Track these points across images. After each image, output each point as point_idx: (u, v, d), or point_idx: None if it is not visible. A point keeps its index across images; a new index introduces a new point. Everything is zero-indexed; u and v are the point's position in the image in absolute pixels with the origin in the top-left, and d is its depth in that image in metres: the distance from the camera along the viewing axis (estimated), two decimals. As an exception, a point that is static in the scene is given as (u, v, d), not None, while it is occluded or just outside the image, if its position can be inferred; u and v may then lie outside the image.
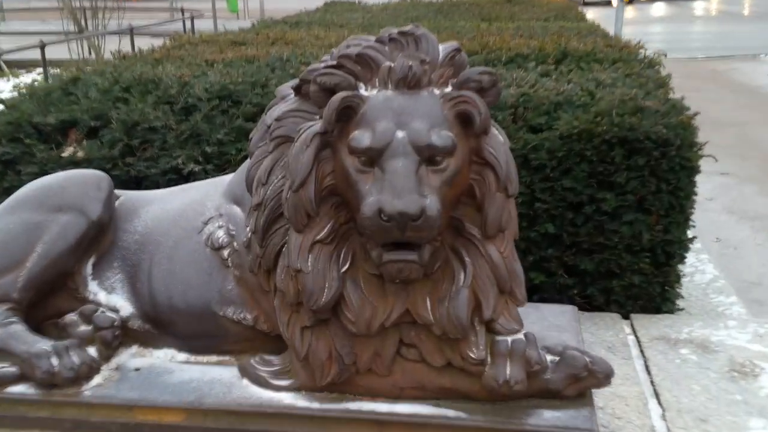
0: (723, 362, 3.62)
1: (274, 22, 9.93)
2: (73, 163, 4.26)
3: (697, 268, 5.18)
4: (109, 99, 4.57)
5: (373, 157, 2.44)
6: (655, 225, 4.03)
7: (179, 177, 4.19)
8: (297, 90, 2.75)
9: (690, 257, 4.47)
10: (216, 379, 2.94)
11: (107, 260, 3.21)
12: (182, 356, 3.11)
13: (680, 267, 4.31)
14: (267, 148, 2.77)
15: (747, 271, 5.75)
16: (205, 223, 3.10)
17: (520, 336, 2.72)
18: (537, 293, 4.11)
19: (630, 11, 31.64)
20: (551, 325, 3.32)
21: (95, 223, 3.13)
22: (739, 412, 3.23)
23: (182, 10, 20.97)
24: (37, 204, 3.13)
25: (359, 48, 2.61)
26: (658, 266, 4.13)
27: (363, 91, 2.56)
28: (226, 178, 3.25)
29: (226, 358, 3.07)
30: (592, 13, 13.57)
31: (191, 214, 3.17)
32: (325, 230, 2.61)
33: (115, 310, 3.12)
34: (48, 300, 3.14)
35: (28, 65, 14.89)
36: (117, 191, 3.36)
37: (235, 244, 2.98)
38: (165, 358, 3.11)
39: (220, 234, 3.03)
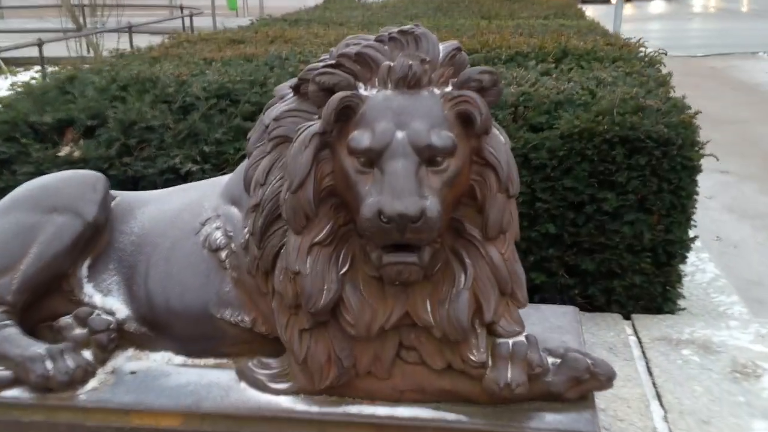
0: (725, 363, 3.60)
1: (273, 20, 9.90)
2: (70, 162, 4.22)
3: (698, 267, 5.15)
4: (106, 98, 4.53)
5: (372, 158, 2.40)
6: (656, 225, 4.01)
7: (177, 177, 4.16)
8: (296, 89, 2.72)
9: (690, 256, 4.45)
10: (213, 382, 2.90)
11: (103, 262, 3.17)
12: (179, 359, 3.07)
13: (681, 267, 4.28)
14: (265, 148, 2.74)
15: (747, 270, 5.73)
16: (203, 225, 3.06)
17: (522, 338, 2.70)
18: (538, 293, 4.09)
19: (628, 8, 31.59)
20: (552, 326, 3.30)
21: (91, 225, 3.09)
22: (742, 414, 3.20)
23: (181, 8, 20.90)
24: (32, 205, 3.09)
25: (359, 47, 2.58)
26: (660, 266, 4.10)
27: (362, 91, 2.52)
28: (224, 179, 3.22)
29: (224, 360, 3.02)
30: (591, 11, 13.54)
31: (188, 215, 3.13)
32: (324, 232, 2.57)
33: (111, 313, 3.07)
34: (43, 302, 3.09)
35: (26, 63, 14.84)
36: (113, 192, 3.32)
37: (232, 245, 2.94)
38: (162, 361, 3.06)
39: (218, 235, 2.99)
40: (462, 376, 2.68)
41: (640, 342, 3.82)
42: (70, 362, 2.86)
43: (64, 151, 4.29)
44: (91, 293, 3.12)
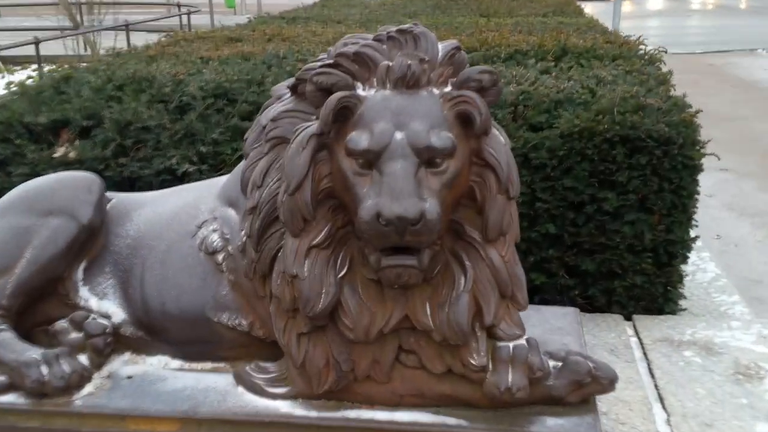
0: (727, 364, 3.57)
1: (270, 18, 9.86)
2: (65, 163, 4.18)
3: (699, 266, 5.13)
4: (102, 98, 4.50)
5: (371, 159, 2.38)
6: (657, 224, 3.98)
7: (173, 178, 4.12)
8: (293, 89, 2.69)
9: (691, 255, 4.41)
10: (211, 387, 2.87)
11: (99, 265, 3.14)
12: (176, 363, 3.04)
13: (682, 267, 4.25)
14: (262, 149, 2.71)
15: (748, 268, 5.70)
16: (199, 227, 3.03)
17: (522, 341, 2.68)
18: (538, 294, 4.07)
19: (627, 5, 31.53)
20: (553, 328, 3.28)
21: (86, 227, 3.06)
22: (745, 417, 3.18)
23: (179, 6, 20.84)
24: (27, 208, 3.06)
25: (357, 46, 2.55)
26: (661, 266, 4.07)
27: (360, 91, 2.50)
28: (221, 180, 3.18)
29: (221, 365, 3.00)
30: (589, 8, 13.49)
31: (185, 217, 3.10)
32: (322, 234, 2.55)
33: (107, 317, 3.04)
34: (38, 306, 3.06)
35: (23, 61, 14.79)
36: (109, 193, 3.29)
37: (229, 248, 2.91)
38: (158, 365, 3.03)
39: (215, 238, 2.96)
40: (462, 380, 2.66)
41: (641, 343, 3.79)
42: (65, 367, 2.83)
43: (59, 152, 4.25)
44: (86, 297, 3.09)
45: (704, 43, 20.04)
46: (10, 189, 3.27)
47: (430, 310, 2.57)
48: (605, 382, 2.68)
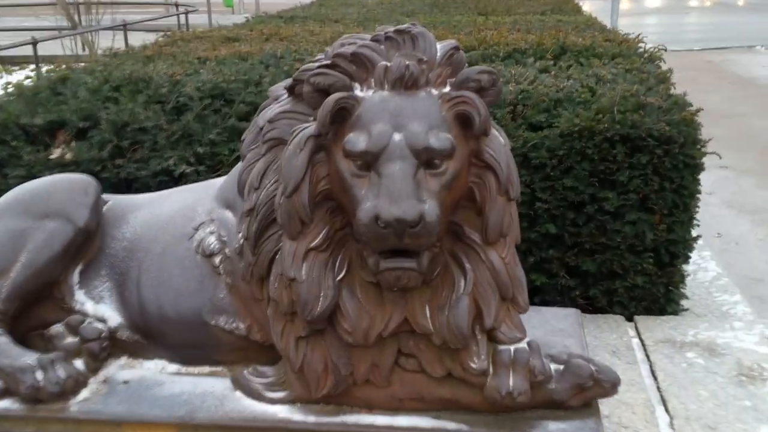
0: (730, 366, 3.54)
1: (268, 17, 9.83)
2: (62, 165, 4.15)
3: (700, 265, 5.10)
4: (99, 99, 4.46)
5: (369, 161, 2.36)
6: (658, 224, 3.95)
7: (170, 179, 4.09)
8: (290, 90, 2.67)
9: (692, 254, 4.39)
10: (208, 391, 2.84)
11: (95, 268, 3.11)
12: (173, 367, 3.01)
13: (684, 266, 4.22)
14: (259, 150, 2.69)
15: (749, 267, 5.69)
16: (196, 229, 3.00)
17: (523, 345, 2.65)
18: (538, 295, 4.04)
19: (625, 3, 31.52)
20: (554, 330, 3.26)
21: (82, 230, 3.03)
22: (749, 419, 3.15)
23: (176, 5, 20.79)
24: (22, 210, 3.03)
25: (354, 47, 2.53)
26: (662, 266, 4.05)
27: (358, 92, 2.48)
28: (218, 182, 3.16)
29: (219, 368, 2.97)
30: (587, 6, 13.46)
31: (181, 219, 3.07)
32: (320, 237, 2.52)
33: (103, 321, 3.01)
34: (33, 310, 3.03)
35: (21, 62, 14.78)
36: (105, 196, 3.26)
37: (226, 250, 2.88)
38: (155, 369, 3.01)
39: (212, 240, 2.94)
40: (462, 384, 2.63)
41: (643, 344, 3.77)
42: (60, 372, 2.80)
43: (55, 154, 4.22)
44: (82, 300, 3.06)
45: (702, 40, 20.01)
46: (6, 191, 3.24)
47: (429, 313, 2.54)
48: (608, 385, 2.65)
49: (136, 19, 18.12)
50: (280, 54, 5.34)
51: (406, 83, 2.44)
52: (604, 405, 2.92)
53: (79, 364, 2.91)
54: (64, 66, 5.23)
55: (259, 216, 2.63)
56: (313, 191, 2.48)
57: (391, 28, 2.58)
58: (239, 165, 2.83)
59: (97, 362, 2.96)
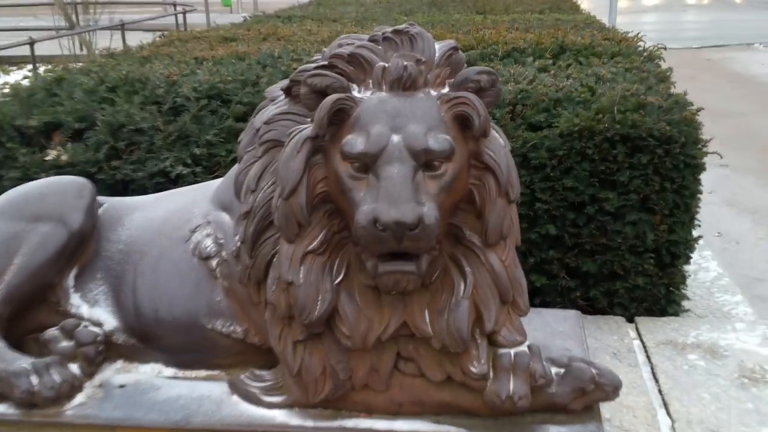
0: (732, 368, 3.52)
1: (266, 17, 9.81)
2: (57, 167, 4.12)
3: (701, 265, 5.08)
4: (95, 100, 4.43)
5: (367, 163, 2.33)
6: (659, 225, 3.93)
7: (167, 180, 4.06)
8: (287, 91, 2.65)
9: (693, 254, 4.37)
10: (205, 395, 2.81)
11: (90, 271, 3.07)
12: (169, 371, 2.98)
13: (685, 267, 4.19)
14: (256, 152, 2.66)
15: (750, 266, 5.67)
16: (192, 232, 2.97)
17: (524, 348, 2.63)
18: (538, 296, 4.02)
19: (623, 0, 31.53)
20: (554, 332, 3.23)
21: (77, 233, 2.99)
22: (752, 422, 3.13)
23: (174, 5, 20.76)
24: (16, 213, 3.00)
25: (352, 47, 2.51)
26: (663, 267, 4.03)
27: (356, 93, 2.46)
28: (214, 183, 3.13)
29: (216, 372, 2.94)
30: (585, 4, 13.46)
31: (177, 221, 3.05)
32: (318, 240, 2.50)
33: (99, 324, 2.98)
34: (28, 314, 2.99)
35: (19, 62, 14.75)
36: (100, 198, 3.24)
37: (223, 253, 2.86)
38: (151, 373, 2.97)
39: (208, 243, 2.91)
40: (462, 388, 2.61)
41: (644, 346, 3.74)
42: (56, 377, 2.77)
43: (51, 155, 4.18)
44: (77, 304, 3.03)
45: (701, 38, 20.01)
46: (1, 193, 3.20)
47: (429, 317, 2.52)
48: (609, 389, 2.63)
49: (134, 18, 18.08)
50: (277, 54, 5.32)
51: (404, 84, 2.41)
52: (605, 408, 2.91)
53: (74, 368, 2.88)
54: (60, 66, 5.19)
55: (256, 219, 2.60)
56: (311, 194, 2.45)
57: (389, 29, 2.56)
58: (236, 167, 2.81)
59: (92, 366, 2.93)
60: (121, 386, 2.90)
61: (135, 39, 9.65)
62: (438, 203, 2.32)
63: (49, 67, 5.37)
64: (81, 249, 3.05)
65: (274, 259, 2.58)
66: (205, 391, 2.84)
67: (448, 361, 2.57)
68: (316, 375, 2.62)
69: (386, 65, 2.43)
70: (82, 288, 3.06)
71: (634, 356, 3.62)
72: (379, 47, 2.51)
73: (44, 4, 19.16)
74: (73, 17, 17.27)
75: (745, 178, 7.90)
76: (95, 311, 3.02)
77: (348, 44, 2.54)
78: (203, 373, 2.95)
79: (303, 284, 2.48)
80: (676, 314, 4.15)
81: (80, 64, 5.20)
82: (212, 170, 4.08)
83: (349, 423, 2.66)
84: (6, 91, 4.80)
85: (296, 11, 10.46)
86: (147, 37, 8.15)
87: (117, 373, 2.97)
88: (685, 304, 4.29)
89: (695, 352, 3.66)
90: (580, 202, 3.90)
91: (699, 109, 3.99)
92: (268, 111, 2.67)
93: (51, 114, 4.34)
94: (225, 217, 2.91)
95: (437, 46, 2.56)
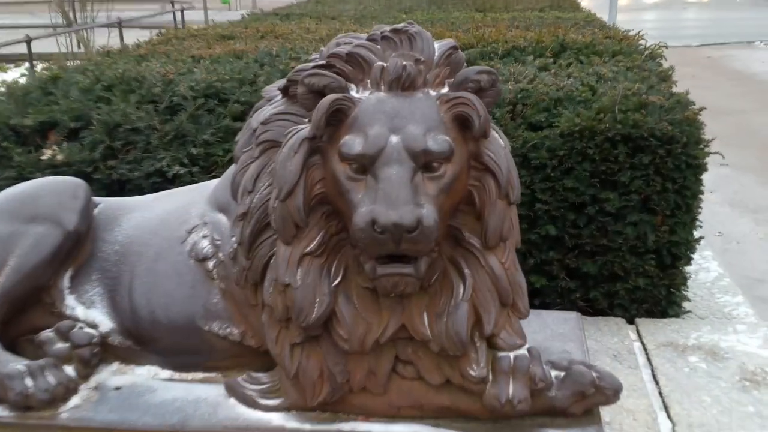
0: (733, 370, 3.49)
1: (264, 15, 9.78)
2: (53, 166, 4.09)
3: (701, 265, 5.05)
4: (91, 99, 4.40)
5: (365, 164, 2.31)
6: (660, 226, 3.91)
7: (164, 180, 4.03)
8: (284, 91, 2.62)
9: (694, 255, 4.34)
10: (201, 398, 2.79)
11: (85, 273, 3.05)
12: (166, 373, 2.96)
13: (686, 268, 4.16)
14: (253, 153, 2.64)
15: (750, 267, 5.63)
16: (189, 233, 2.95)
17: (523, 351, 2.61)
18: (538, 297, 3.99)
19: (623, -2, 31.54)
20: (554, 334, 3.22)
21: (71, 234, 2.97)
22: (753, 426, 3.10)
23: (172, 2, 20.74)
24: (9, 214, 2.97)
25: (350, 47, 2.49)
26: (664, 268, 4.00)
27: (354, 93, 2.43)
28: (211, 184, 3.11)
29: (212, 375, 2.92)
30: (585, 1, 13.43)
31: (174, 222, 3.02)
32: (315, 242, 2.47)
33: (94, 326, 2.95)
34: (22, 316, 2.97)
35: (16, 59, 14.72)
36: (96, 198, 3.21)
37: (220, 254, 2.83)
38: (147, 375, 2.95)
39: (205, 244, 2.88)
40: (461, 391, 2.59)
41: (645, 348, 3.72)
42: (50, 379, 2.75)
43: (46, 155, 4.15)
44: (73, 305, 3.01)
45: (701, 35, 19.98)
46: (-4, 193, 3.17)
47: (427, 320, 2.50)
48: (609, 392, 2.61)
49: (132, 16, 18.05)
50: (275, 52, 5.29)
51: (403, 84, 2.39)
52: (605, 411, 2.88)
53: (69, 370, 2.86)
54: (56, 65, 5.15)
55: (253, 220, 2.58)
56: (308, 195, 2.43)
57: (388, 28, 2.53)
58: (233, 167, 2.78)
59: (88, 368, 2.91)
60: (117, 388, 2.88)
61: (133, 37, 9.63)
62: (437, 205, 2.29)
63: (47, 64, 5.34)
64: (76, 250, 3.02)
65: (271, 261, 2.56)
66: (201, 393, 2.81)
67: (447, 365, 2.55)
68: (314, 378, 2.59)
69: (385, 65, 2.40)
70: (77, 289, 3.03)
71: (635, 358, 3.60)
72: (378, 46, 2.49)
73: (41, 2, 19.10)
74: (71, 14, 17.21)
75: (745, 177, 7.86)
76: (91, 313, 2.99)
77: (346, 43, 2.51)
78: (200, 375, 2.93)
79: (300, 286, 2.46)
80: (676, 316, 4.12)
81: (78, 62, 5.15)
82: (209, 170, 4.05)
83: (347, 426, 2.64)
84: (1, 90, 4.77)
85: (294, 9, 10.44)
86: (144, 35, 8.11)
87: (113, 375, 2.95)
88: (686, 305, 4.26)
89: (696, 354, 3.63)
90: (580, 202, 3.87)
91: (701, 109, 3.96)
92: (265, 111, 2.64)
93: (47, 113, 4.31)
94: (222, 218, 2.89)
95: (436, 45, 2.53)
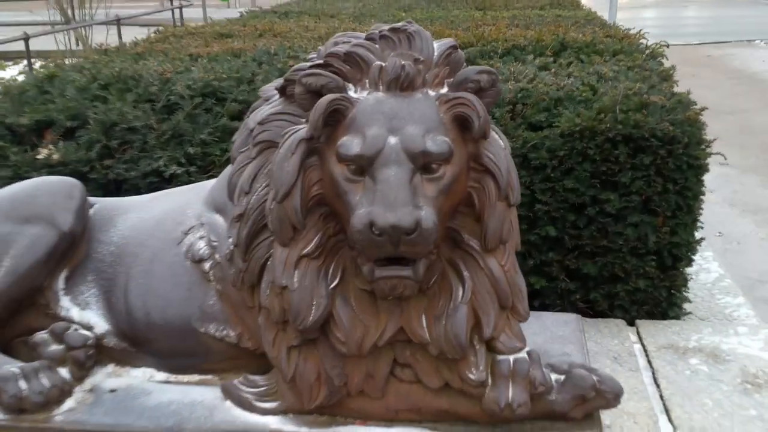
0: (735, 373, 3.45)
1: (262, 12, 9.75)
2: (49, 165, 4.05)
3: (702, 266, 5.00)
4: (87, 97, 4.35)
5: (363, 166, 2.28)
6: (661, 227, 3.86)
7: (161, 180, 3.99)
8: (281, 91, 2.60)
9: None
10: (197, 401, 2.77)
11: (81, 274, 3.02)
12: (161, 376, 2.95)
13: (687, 270, 4.13)
14: (250, 153, 2.62)
15: (751, 267, 5.59)
16: (185, 234, 2.93)
17: (523, 354, 2.60)
18: (537, 299, 3.95)
19: (623, -4, 31.49)
20: (554, 336, 3.20)
21: (67, 235, 2.95)
22: (755, 430, 3.06)
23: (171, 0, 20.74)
24: (4, 215, 2.94)
25: (348, 46, 2.47)
26: (665, 270, 3.96)
27: (352, 93, 2.41)
28: (208, 184, 3.09)
29: (209, 377, 2.91)
30: (585, -1, 13.42)
31: (170, 223, 3.00)
32: (313, 243, 2.46)
33: (89, 328, 2.94)
34: (17, 317, 2.95)
35: (15, 57, 14.70)
36: (91, 198, 3.19)
37: (217, 256, 2.81)
38: (143, 377, 2.94)
39: (201, 245, 2.86)
40: (460, 395, 2.58)
41: (645, 350, 3.67)
42: (45, 381, 2.74)
43: (42, 154, 4.11)
44: (68, 307, 2.99)
45: (701, 34, 19.94)
46: (-9, 192, 3.14)
47: (426, 323, 2.48)
48: (610, 396, 2.59)
49: (131, 13, 18.02)
50: (273, 51, 5.24)
51: (401, 84, 2.36)
52: (606, 415, 2.85)
53: (64, 372, 2.84)
54: (53, 63, 5.12)
55: (250, 221, 2.56)
56: (306, 196, 2.41)
57: (386, 27, 2.51)
58: (229, 168, 2.75)
59: (82, 370, 2.89)
60: (112, 391, 2.86)
61: (131, 34, 9.60)
62: (436, 207, 2.27)
63: (46, 62, 5.30)
64: (71, 251, 3.01)
65: (268, 263, 2.55)
66: (197, 396, 2.80)
67: (445, 368, 2.53)
68: (311, 381, 2.58)
69: (383, 64, 2.38)
70: (72, 290, 3.01)
71: (635, 360, 3.56)
72: (376, 46, 2.46)
73: (41, -1, 19.09)
74: (69, 12, 17.18)
75: (746, 176, 7.83)
76: (86, 314, 2.97)
77: (344, 42, 2.49)
78: (196, 377, 2.92)
79: (297, 289, 2.44)
80: (677, 317, 4.08)
81: (76, 59, 5.12)
82: (207, 170, 4.01)
83: (344, 430, 2.63)
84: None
85: (293, 7, 10.40)
86: (143, 33, 8.08)
87: (108, 378, 2.94)
88: (687, 306, 4.22)
89: (697, 357, 3.59)
90: (580, 203, 3.83)
91: (702, 109, 3.91)
92: (262, 111, 2.62)
93: (43, 112, 4.27)
94: (218, 219, 2.87)
95: (436, 44, 2.51)
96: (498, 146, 2.46)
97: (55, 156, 4.08)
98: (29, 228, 2.90)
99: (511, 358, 2.55)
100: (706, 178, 3.98)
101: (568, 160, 3.77)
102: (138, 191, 3.81)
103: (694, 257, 4.11)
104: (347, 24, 7.47)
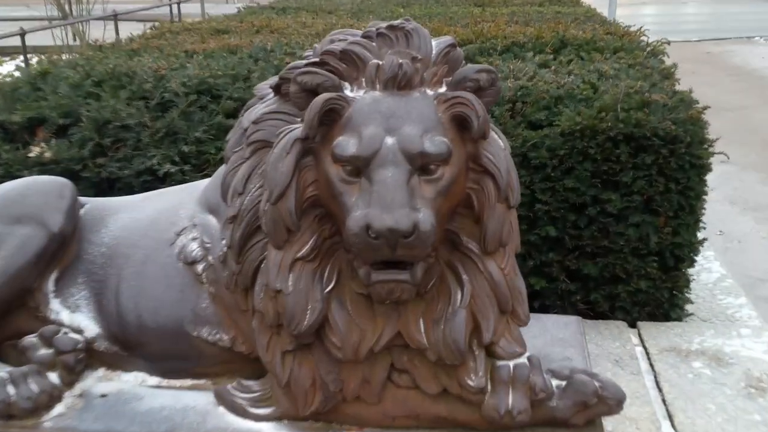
0: (738, 376, 3.41)
1: (260, 8, 9.70)
2: (41, 164, 3.99)
3: (703, 266, 4.95)
4: (80, 94, 4.29)
5: (359, 166, 2.23)
6: (663, 227, 3.82)
7: (154, 179, 3.94)
8: (276, 89, 2.55)
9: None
10: (190, 406, 2.72)
11: (71, 275, 2.96)
12: (153, 380, 2.89)
13: (689, 270, 4.08)
14: (243, 153, 2.56)
15: (753, 266, 5.57)
16: (178, 235, 2.88)
17: (523, 360, 2.55)
18: (537, 299, 3.92)
19: (623, -7, 31.38)
20: (554, 339, 3.15)
21: (57, 235, 2.88)
22: (759, 435, 3.01)
23: (169, -5, 20.65)
24: (-6, 215, 2.88)
25: (344, 44, 2.41)
26: (667, 270, 3.92)
27: (348, 92, 2.36)
28: (201, 184, 3.03)
29: (201, 381, 2.85)
30: (584, -5, 13.37)
31: (163, 224, 2.94)
32: (308, 246, 2.40)
33: (80, 331, 2.88)
34: (6, 320, 2.88)
35: (11, 52, 14.64)
36: (82, 198, 3.13)
37: (210, 258, 2.76)
38: (135, 382, 2.88)
39: (194, 247, 2.81)
40: (459, 401, 2.53)
41: (647, 353, 3.63)
42: (33, 387, 2.69)
43: (34, 152, 4.05)
44: (57, 309, 2.93)
45: (701, 30, 19.91)
46: (-18, 191, 3.08)
47: (424, 327, 2.43)
48: (612, 402, 2.53)
49: (129, 8, 17.95)
50: (270, 47, 5.20)
51: (399, 83, 2.31)
52: (607, 421, 2.79)
53: (53, 377, 2.79)
54: (46, 59, 5.06)
55: (244, 223, 2.51)
56: (300, 198, 2.36)
57: (384, 24, 2.46)
58: (223, 167, 2.70)
59: (72, 375, 2.84)
60: (103, 396, 2.81)
61: (128, 29, 9.54)
62: (434, 209, 2.22)
63: (41, 58, 5.25)
64: (62, 252, 2.95)
65: (262, 266, 2.49)
66: (190, 401, 2.75)
67: (444, 374, 2.48)
68: (306, 386, 2.53)
69: (380, 63, 2.33)
70: (62, 293, 2.95)
71: (637, 363, 3.51)
72: (373, 44, 2.41)
73: (38, -6, 19.04)
74: (66, 7, 17.13)
75: (746, 174, 7.79)
76: (76, 317, 2.92)
77: (340, 40, 2.44)
78: (188, 382, 2.86)
79: (292, 292, 2.39)
80: (679, 319, 4.04)
81: (75, 54, 5.06)
82: (201, 168, 3.96)
83: (340, 436, 2.58)
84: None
85: (291, 2, 10.33)
86: (140, 28, 8.02)
87: (98, 382, 2.88)
88: (688, 307, 4.18)
89: (700, 360, 3.55)
90: (581, 203, 3.79)
91: (705, 108, 3.87)
92: (257, 110, 2.57)
93: (35, 109, 4.21)
94: (212, 220, 2.82)
95: (434, 42, 2.46)
96: (497, 146, 2.41)
97: (48, 154, 4.03)
98: (19, 228, 2.84)
99: (511, 363, 2.50)
100: (707, 176, 3.94)
101: (569, 160, 3.73)
102: (131, 190, 3.76)
103: (696, 258, 4.07)
104: (345, 20, 7.42)
